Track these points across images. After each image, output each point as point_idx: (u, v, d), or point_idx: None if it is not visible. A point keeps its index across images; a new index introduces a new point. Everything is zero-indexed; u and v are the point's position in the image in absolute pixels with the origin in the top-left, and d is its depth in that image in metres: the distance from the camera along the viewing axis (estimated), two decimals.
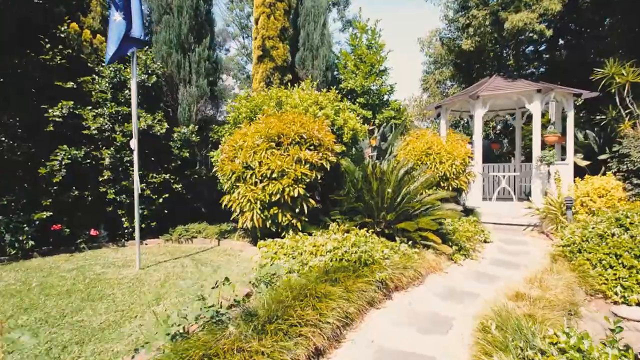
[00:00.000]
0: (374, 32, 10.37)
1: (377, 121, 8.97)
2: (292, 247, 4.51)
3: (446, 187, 6.95)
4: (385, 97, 9.71)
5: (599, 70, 8.57)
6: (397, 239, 5.09)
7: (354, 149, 7.88)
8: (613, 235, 4.82)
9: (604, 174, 8.59)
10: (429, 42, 14.98)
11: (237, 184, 5.47)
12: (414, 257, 4.70)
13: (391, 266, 4.19)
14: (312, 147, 5.48)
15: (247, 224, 5.38)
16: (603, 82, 8.55)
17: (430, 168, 6.96)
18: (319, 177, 5.40)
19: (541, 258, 5.93)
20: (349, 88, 9.51)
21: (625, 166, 7.72)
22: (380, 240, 4.86)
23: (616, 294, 4.30)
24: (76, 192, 6.05)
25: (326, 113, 6.34)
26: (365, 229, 5.21)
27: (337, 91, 7.18)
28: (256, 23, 9.21)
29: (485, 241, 6.86)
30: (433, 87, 19.07)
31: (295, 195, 5.15)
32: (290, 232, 5.37)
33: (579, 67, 11.62)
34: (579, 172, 9.21)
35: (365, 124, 7.65)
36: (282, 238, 5.33)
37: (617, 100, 8.54)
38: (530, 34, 9.57)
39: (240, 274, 4.65)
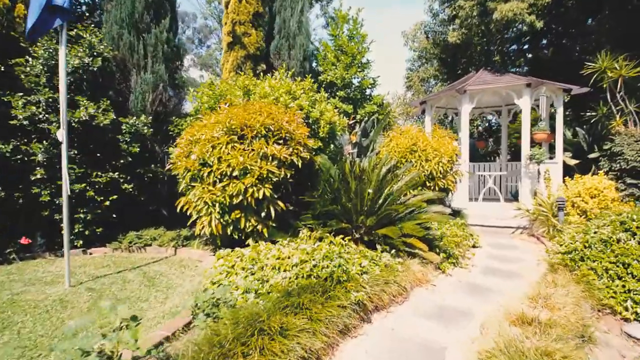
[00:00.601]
0: (355, 21, 9.71)
1: (358, 116, 8.32)
2: (253, 259, 3.75)
3: (432, 188, 6.34)
4: (368, 91, 9.08)
5: (590, 64, 8.15)
6: (378, 247, 4.41)
7: (332, 145, 7.18)
8: (619, 241, 4.28)
9: (595, 173, 8.19)
10: (414, 36, 14.44)
11: (193, 184, 4.67)
12: (397, 268, 4.02)
13: (370, 282, 3.50)
14: (281, 141, 4.74)
15: (204, 230, 4.59)
16: (594, 77, 8.13)
17: (415, 166, 6.33)
18: (289, 175, 4.67)
19: (535, 264, 5.38)
20: (328, 80, 8.80)
21: (618, 165, 7.31)
22: (358, 250, 4.16)
23: (626, 309, 3.74)
24: (2, 194, 5.11)
25: (300, 104, 5.62)
26: (342, 235, 4.51)
27: (315, 83, 6.46)
28: (226, 7, 8.40)
29: (474, 246, 6.28)
30: (417, 84, 18.59)
31: (261, 196, 4.39)
32: (254, 239, 4.61)
33: (565, 66, 11.30)
34: (567, 171, 8.80)
35: (345, 118, 6.95)
36: (247, 247, 4.57)
37: (608, 96, 8.14)
38: (520, 26, 9.11)
39: (191, 293, 3.87)
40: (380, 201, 5.00)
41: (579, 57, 10.51)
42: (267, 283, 3.27)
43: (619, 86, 7.77)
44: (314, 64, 9.99)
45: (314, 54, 9.95)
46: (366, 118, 8.06)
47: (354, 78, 8.88)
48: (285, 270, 3.38)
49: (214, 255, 5.15)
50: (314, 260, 3.49)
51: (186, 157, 4.72)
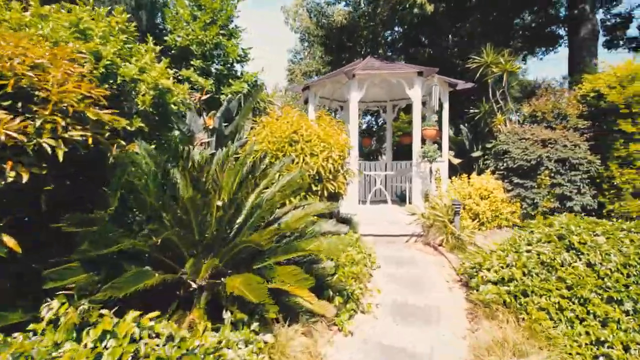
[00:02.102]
0: None
1: (222, 97, 6.13)
2: None
3: (320, 193, 4.59)
4: (238, 67, 6.98)
5: (475, 58, 7.73)
6: (228, 313, 2.31)
7: (175, 130, 4.78)
8: (563, 264, 3.18)
9: (480, 173, 7.84)
10: (295, 13, 12.87)
11: None
12: None
13: None
14: (9, 102, 2.20)
15: None
16: (479, 72, 7.73)
17: (297, 163, 4.48)
18: (25, 178, 2.16)
19: (448, 290, 4.13)
20: (180, 44, 6.30)
21: (504, 164, 6.91)
22: (180, 336, 1.98)
23: None
24: None
25: (93, 48, 3.10)
26: (165, 299, 2.25)
27: (157, 45, 3.96)
28: None
29: (371, 266, 4.79)
30: (300, 78, 17.25)
31: None
32: None
33: (445, 63, 11.33)
34: (451, 171, 8.34)
35: (196, 92, 4.66)
36: None
37: (490, 92, 7.87)
38: (410, 9, 8.30)
39: None
40: (240, 220, 2.93)
41: (463, 51, 10.47)
42: None
43: (504, 82, 7.50)
44: (158, 21, 7.30)
45: (158, 8, 7.25)
46: (230, 96, 5.89)
47: (217, 51, 6.60)
48: None
49: None
50: None
51: None
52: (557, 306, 2.85)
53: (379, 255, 5.64)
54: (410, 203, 8.36)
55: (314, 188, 4.51)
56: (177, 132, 4.88)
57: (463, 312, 3.46)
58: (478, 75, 7.76)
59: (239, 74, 7.00)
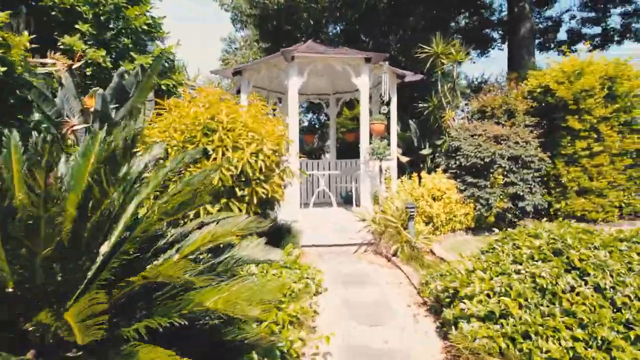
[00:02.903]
0: None
1: (126, 68, 4.64)
2: None
3: (248, 199, 3.44)
4: (147, 41, 5.49)
5: (425, 47, 7.12)
6: None
7: (37, 112, 3.31)
8: (565, 291, 2.43)
9: (429, 172, 7.27)
10: None
11: None
12: None
13: None
14: None
15: None
16: (429, 62, 7.14)
17: (216, 159, 3.28)
18: None
19: (413, 321, 3.26)
20: (63, 3, 4.64)
21: (456, 162, 6.36)
22: None
23: None
24: None
25: None
26: None
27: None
28: None
29: (317, 292, 3.75)
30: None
31: None
32: None
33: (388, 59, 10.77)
34: (398, 170, 7.69)
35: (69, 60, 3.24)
36: None
37: (439, 85, 7.33)
38: None
39: None
40: (104, 252, 1.69)
41: (406, 47, 9.95)
42: None
43: (454, 74, 6.98)
44: None
45: None
46: (122, 68, 4.39)
47: (118, 16, 5.06)
48: None
49: None
50: None
51: None
52: (572, 354, 2.06)
53: (325, 271, 4.65)
54: (357, 205, 7.54)
55: (239, 193, 3.35)
56: (38, 116, 3.38)
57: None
58: (428, 66, 7.16)
59: (146, 45, 5.52)
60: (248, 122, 3.54)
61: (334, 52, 6.48)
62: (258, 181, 3.50)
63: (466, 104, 7.50)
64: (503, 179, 6.12)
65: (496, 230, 3.98)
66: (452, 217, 6.03)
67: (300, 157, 5.81)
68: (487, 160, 6.03)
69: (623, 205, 7.01)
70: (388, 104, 7.34)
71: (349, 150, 10.43)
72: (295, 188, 6.22)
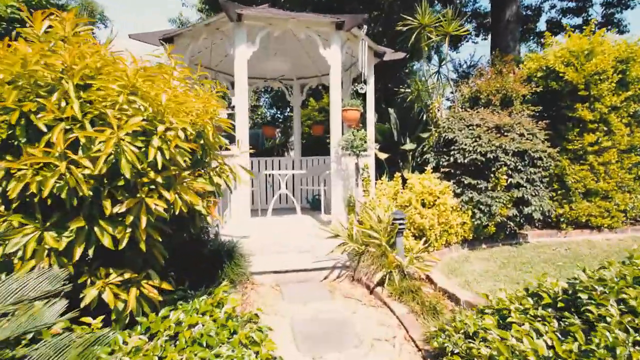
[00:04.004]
0: None
1: None
2: None
3: (130, 221, 1.85)
4: None
5: (408, 18, 5.78)
6: None
7: None
8: None
9: (414, 171, 5.96)
10: None
11: None
12: None
13: None
14: None
15: None
16: (412, 37, 5.81)
17: (53, 144, 1.67)
18: None
19: None
20: None
21: (451, 158, 5.08)
22: None
23: None
24: None
25: None
26: None
27: None
28: None
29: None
30: None
31: None
32: None
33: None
34: (376, 168, 6.33)
35: None
36: None
37: (424, 66, 6.04)
38: None
39: None
40: None
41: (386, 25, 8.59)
42: None
43: (445, 50, 5.70)
44: None
45: None
46: None
47: None
48: None
49: None
50: None
51: None
52: None
53: (283, 316, 3.17)
54: (327, 212, 6.10)
55: (111, 209, 1.75)
56: None
57: None
58: (412, 41, 5.83)
59: None
60: (135, 82, 1.95)
61: (296, 15, 4.96)
62: (153, 186, 1.92)
63: (452, 92, 6.27)
64: (507, 180, 4.91)
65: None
66: (448, 228, 4.73)
67: (251, 151, 4.25)
68: (489, 156, 4.80)
69: (627, 209, 6.09)
70: (363, 92, 5.92)
71: (316, 146, 8.97)
72: (243, 193, 4.66)
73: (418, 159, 6.02)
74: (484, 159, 4.82)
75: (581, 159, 5.80)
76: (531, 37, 12.18)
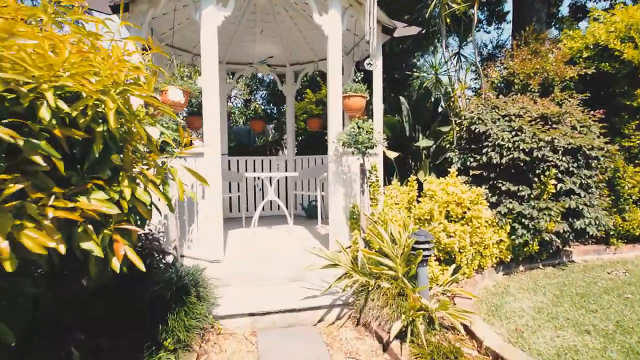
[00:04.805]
0: None
1: None
2: None
3: None
4: None
5: None
6: None
7: None
8: None
9: (430, 173, 4.85)
10: None
11: None
12: None
13: None
14: None
15: None
16: (429, 10, 4.68)
17: None
18: None
19: None
20: None
21: (482, 158, 3.96)
22: None
23: None
24: None
25: None
26: None
27: None
28: None
29: None
30: None
31: None
32: None
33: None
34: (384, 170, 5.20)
35: None
36: None
37: (443, 45, 4.91)
38: None
39: None
40: None
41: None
42: None
43: (473, 27, 4.57)
44: None
45: None
46: None
47: None
48: None
49: None
50: None
51: None
52: None
53: None
54: (325, 223, 5.00)
55: None
56: None
57: None
58: (428, 14, 4.71)
59: None
60: None
61: None
62: None
63: (476, 78, 5.16)
64: (556, 186, 3.80)
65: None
66: (482, 249, 3.62)
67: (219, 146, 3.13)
68: (535, 154, 3.68)
69: None
70: (370, 69, 4.79)
71: (312, 143, 7.86)
72: (212, 202, 3.54)
73: (435, 159, 4.91)
74: (528, 159, 3.71)
75: (636, 158, 4.70)
76: (553, 23, 11.07)
